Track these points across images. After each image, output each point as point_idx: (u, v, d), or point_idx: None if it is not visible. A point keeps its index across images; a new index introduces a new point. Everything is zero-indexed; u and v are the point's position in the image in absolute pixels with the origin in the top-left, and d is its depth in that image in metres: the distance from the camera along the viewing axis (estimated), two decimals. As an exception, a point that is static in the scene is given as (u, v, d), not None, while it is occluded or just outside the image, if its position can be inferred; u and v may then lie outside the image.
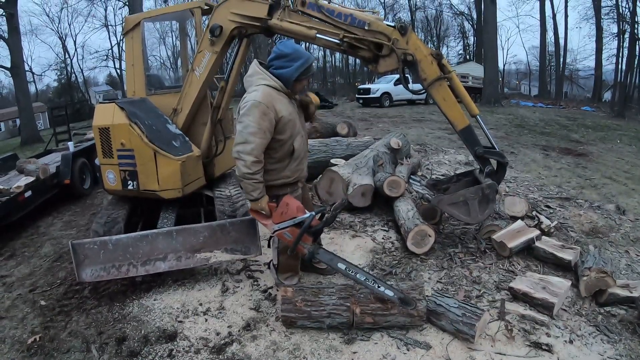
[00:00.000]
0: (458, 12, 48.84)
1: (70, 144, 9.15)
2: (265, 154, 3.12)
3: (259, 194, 3.12)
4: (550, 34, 41.22)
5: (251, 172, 3.02)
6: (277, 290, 3.61)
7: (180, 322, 3.41)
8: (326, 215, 3.21)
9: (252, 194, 3.11)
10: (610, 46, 36.52)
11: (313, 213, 3.14)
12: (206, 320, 3.42)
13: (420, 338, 3.07)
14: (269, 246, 3.78)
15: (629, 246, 4.73)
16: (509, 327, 3.14)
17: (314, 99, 3.69)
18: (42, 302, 4.02)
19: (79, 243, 3.73)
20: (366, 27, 3.82)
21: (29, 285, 4.46)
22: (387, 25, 3.84)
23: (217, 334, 3.25)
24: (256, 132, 2.98)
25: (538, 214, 5.11)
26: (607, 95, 36.51)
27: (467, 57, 47.65)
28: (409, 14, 47.75)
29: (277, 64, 3.18)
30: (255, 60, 3.31)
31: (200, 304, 3.63)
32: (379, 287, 3.04)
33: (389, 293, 3.01)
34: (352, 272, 3.11)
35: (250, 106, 2.99)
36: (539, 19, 40.31)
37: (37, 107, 29.41)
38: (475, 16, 44.49)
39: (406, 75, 4.10)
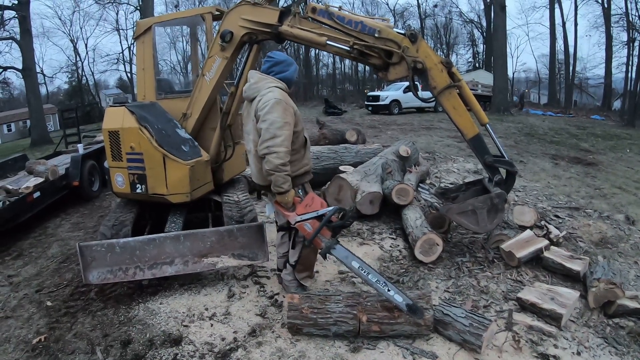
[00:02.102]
0: (468, 20, 48.92)
1: (80, 146, 9.20)
2: None
3: (289, 186, 3.20)
4: (559, 42, 41.16)
5: (283, 163, 3.10)
6: (284, 297, 3.61)
7: (186, 326, 3.40)
8: (348, 214, 3.31)
9: (282, 187, 3.17)
10: (620, 54, 36.46)
11: (336, 207, 3.25)
12: (212, 325, 3.41)
13: (427, 348, 3.04)
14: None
15: (639, 257, 4.68)
16: (517, 338, 3.11)
17: None
18: (48, 303, 4.03)
19: (86, 245, 3.75)
20: (376, 35, 3.82)
21: (36, 285, 4.48)
22: (398, 32, 3.85)
23: (223, 339, 3.23)
24: (283, 126, 3.11)
25: (547, 224, 5.07)
26: (617, 104, 36.23)
27: (477, 65, 47.63)
28: (419, 21, 47.85)
29: (277, 69, 3.42)
30: (252, 70, 3.44)
31: (206, 309, 3.62)
32: (388, 290, 3.03)
33: (398, 299, 3.00)
34: (364, 272, 3.12)
35: (272, 104, 3.12)
36: (548, 27, 40.26)
37: (47, 109, 29.74)
38: (484, 24, 44.53)
39: (416, 83, 4.09)
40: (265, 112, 3.12)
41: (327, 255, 3.21)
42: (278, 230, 3.85)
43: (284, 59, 3.49)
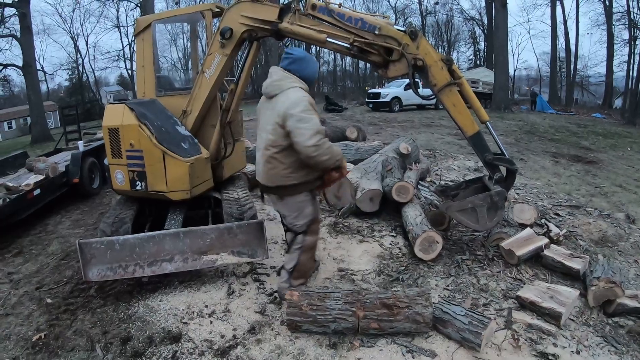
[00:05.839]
0: (469, 17, 48.94)
1: (80, 144, 9.20)
2: None
3: (337, 157, 3.24)
4: (561, 40, 41.10)
5: (329, 157, 3.15)
6: (278, 297, 3.64)
7: (185, 323, 3.41)
8: None
9: (338, 162, 3.27)
10: (621, 53, 36.41)
11: None
12: (211, 322, 3.42)
13: (426, 345, 3.05)
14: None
15: (639, 256, 4.67)
16: (516, 337, 3.11)
17: None
18: (48, 300, 4.04)
19: (86, 242, 3.75)
20: (376, 32, 3.81)
21: (36, 282, 4.49)
22: (398, 29, 3.84)
23: (222, 336, 3.24)
24: (318, 122, 3.13)
25: (547, 222, 5.07)
26: (618, 102, 36.19)
27: (478, 62, 47.60)
28: (420, 18, 47.84)
29: (297, 67, 3.32)
30: (274, 66, 3.37)
31: (206, 306, 3.63)
32: None
33: None
34: None
35: (307, 104, 3.10)
36: (550, 24, 40.16)
37: (48, 106, 29.71)
38: (486, 21, 44.40)
39: (416, 80, 4.08)
40: (302, 110, 3.06)
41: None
42: (286, 231, 3.75)
43: (303, 56, 3.38)
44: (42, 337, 3.43)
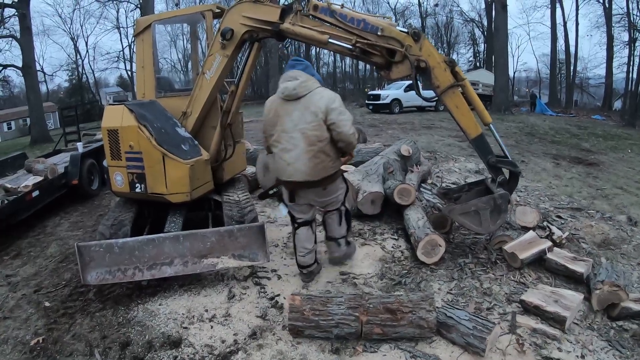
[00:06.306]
0: (469, 19, 48.93)
1: (80, 145, 9.17)
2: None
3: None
4: (560, 42, 41.07)
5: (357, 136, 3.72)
6: (284, 298, 3.60)
7: (186, 328, 3.36)
8: None
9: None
10: (621, 54, 36.45)
11: None
12: (212, 327, 3.37)
13: (430, 351, 3.01)
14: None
15: (642, 259, 4.63)
16: (520, 341, 3.07)
17: None
18: (47, 303, 4.00)
19: (84, 245, 3.70)
20: (379, 33, 3.79)
21: (34, 285, 4.44)
22: (400, 31, 3.80)
23: (223, 341, 3.20)
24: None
25: (549, 225, 5.03)
26: (618, 104, 36.21)
27: (477, 64, 47.61)
28: (420, 20, 47.84)
29: (311, 72, 3.68)
30: (295, 70, 3.63)
31: (206, 310, 3.58)
32: None
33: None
34: None
35: (340, 99, 3.58)
36: (549, 26, 40.17)
37: (47, 107, 29.69)
38: (485, 23, 44.44)
39: (418, 81, 4.05)
40: (339, 104, 3.51)
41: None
42: (300, 226, 3.93)
43: (309, 63, 3.81)
44: (40, 341, 3.39)
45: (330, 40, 3.87)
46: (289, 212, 4.00)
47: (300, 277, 4.05)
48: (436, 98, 4.00)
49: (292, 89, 3.50)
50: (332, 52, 4.56)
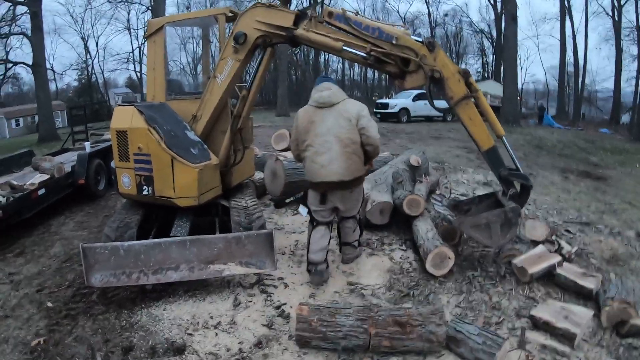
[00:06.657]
0: (478, 30, 48.88)
1: (87, 144, 9.16)
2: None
3: None
4: (569, 54, 40.90)
5: None
6: (291, 307, 3.55)
7: (190, 334, 3.31)
8: None
9: None
10: (629, 68, 36.26)
11: None
12: (216, 334, 3.32)
13: (438, 366, 2.95)
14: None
15: (651, 275, 4.55)
16: (530, 357, 3.01)
17: None
18: (49, 304, 3.96)
19: (89, 247, 3.66)
20: (394, 42, 3.75)
21: (37, 285, 4.41)
22: (415, 40, 3.77)
23: (227, 349, 3.14)
24: None
25: (558, 239, 4.96)
26: (625, 118, 36.00)
27: (486, 75, 47.48)
28: (429, 30, 47.87)
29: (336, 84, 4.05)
30: (326, 82, 4.02)
31: (211, 317, 3.53)
32: None
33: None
34: None
35: (367, 110, 3.94)
36: (558, 39, 40.02)
37: (56, 106, 29.79)
38: (495, 34, 44.38)
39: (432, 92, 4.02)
40: (367, 113, 3.89)
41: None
42: (316, 226, 4.07)
43: (334, 79, 4.36)
44: (41, 342, 3.34)
45: (344, 47, 3.84)
46: (309, 212, 4.17)
47: (310, 279, 4.07)
48: (448, 109, 3.96)
49: (327, 97, 3.84)
50: (341, 59, 4.57)
